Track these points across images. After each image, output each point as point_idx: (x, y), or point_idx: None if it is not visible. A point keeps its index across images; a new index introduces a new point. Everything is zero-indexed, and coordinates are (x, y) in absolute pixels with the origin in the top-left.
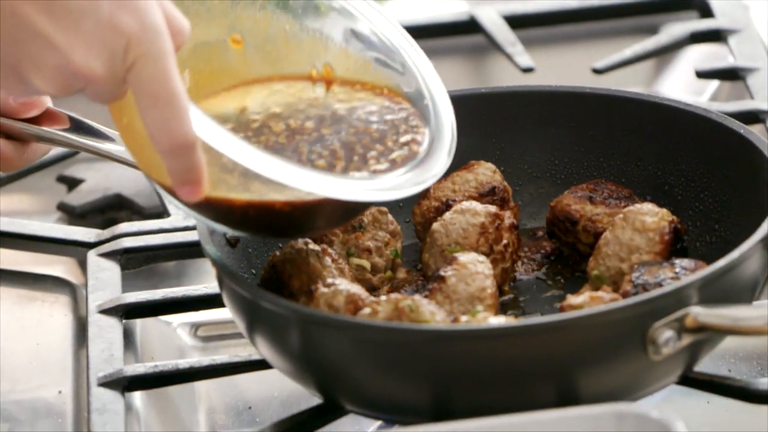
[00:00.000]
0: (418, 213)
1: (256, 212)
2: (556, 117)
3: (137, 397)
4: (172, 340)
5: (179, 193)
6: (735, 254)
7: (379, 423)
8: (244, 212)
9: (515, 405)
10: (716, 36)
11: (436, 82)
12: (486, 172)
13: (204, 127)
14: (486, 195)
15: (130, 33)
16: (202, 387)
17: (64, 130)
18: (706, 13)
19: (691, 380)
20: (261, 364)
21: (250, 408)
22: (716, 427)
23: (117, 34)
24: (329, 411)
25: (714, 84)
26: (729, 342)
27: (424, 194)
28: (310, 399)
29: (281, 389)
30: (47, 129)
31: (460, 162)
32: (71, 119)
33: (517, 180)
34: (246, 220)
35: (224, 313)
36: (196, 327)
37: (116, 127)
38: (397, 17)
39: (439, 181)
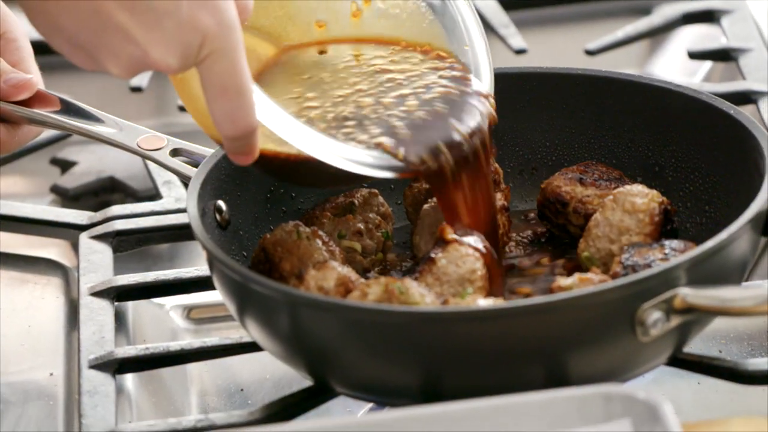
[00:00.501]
0: (408, 195)
1: (299, 164)
2: (547, 98)
3: (129, 379)
4: (164, 322)
5: (231, 158)
6: (723, 235)
7: (369, 405)
8: (284, 163)
9: (504, 386)
10: (709, 17)
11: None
12: None
13: (265, 112)
14: None
15: (207, 30)
16: (194, 369)
17: (56, 112)
18: None
19: (681, 361)
20: (252, 347)
21: (242, 390)
22: (707, 408)
23: (194, 32)
24: (320, 393)
25: (707, 65)
26: (720, 323)
27: (415, 177)
28: (302, 381)
29: (273, 371)
30: (39, 111)
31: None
32: (62, 101)
33: (508, 162)
34: (287, 169)
35: (217, 296)
36: (188, 309)
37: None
38: None
39: None
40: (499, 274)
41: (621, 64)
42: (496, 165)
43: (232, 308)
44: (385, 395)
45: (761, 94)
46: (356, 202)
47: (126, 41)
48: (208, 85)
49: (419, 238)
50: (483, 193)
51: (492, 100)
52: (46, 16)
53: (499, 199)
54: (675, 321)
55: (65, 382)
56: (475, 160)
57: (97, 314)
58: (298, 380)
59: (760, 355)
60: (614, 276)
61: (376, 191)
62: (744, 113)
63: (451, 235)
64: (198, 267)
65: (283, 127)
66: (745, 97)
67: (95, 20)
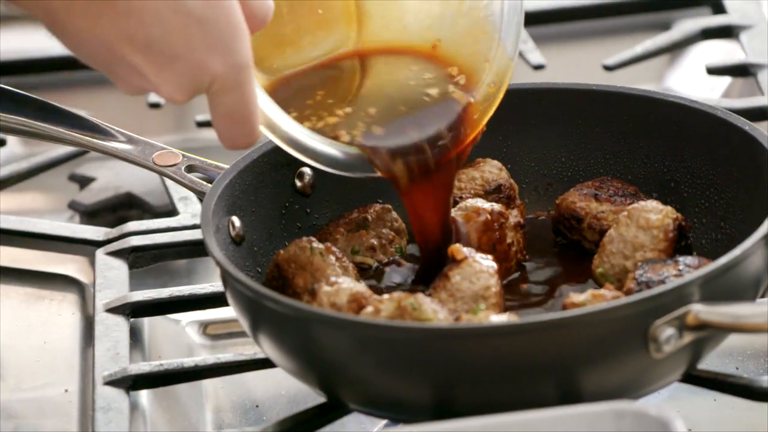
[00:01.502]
0: None
1: None
2: (562, 114)
3: (143, 395)
4: (180, 338)
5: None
6: (737, 251)
7: (384, 422)
8: None
9: (517, 403)
10: (728, 32)
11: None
12: (492, 170)
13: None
14: (492, 193)
15: (217, 72)
16: (210, 385)
17: (72, 128)
18: (719, 9)
19: (696, 378)
20: (266, 363)
21: (257, 406)
22: (723, 425)
23: (205, 74)
24: (333, 409)
25: (727, 80)
26: (737, 339)
27: None
28: (317, 397)
29: (288, 387)
30: (55, 128)
31: (470, 160)
32: (78, 117)
33: (523, 177)
34: None
35: (233, 312)
36: (204, 325)
37: None
38: None
39: None
40: None
41: (640, 80)
42: (512, 181)
43: (245, 324)
44: (398, 412)
45: None
46: (369, 217)
47: (137, 76)
48: (215, 111)
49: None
50: (439, 201)
51: (479, 115)
52: (63, 39)
53: (514, 216)
54: (688, 338)
55: (80, 399)
56: (430, 168)
57: (112, 330)
58: (312, 396)
59: None
60: (628, 292)
61: (390, 206)
62: (759, 129)
63: (462, 254)
64: (214, 283)
65: (271, 119)
66: (764, 113)
67: (108, 56)
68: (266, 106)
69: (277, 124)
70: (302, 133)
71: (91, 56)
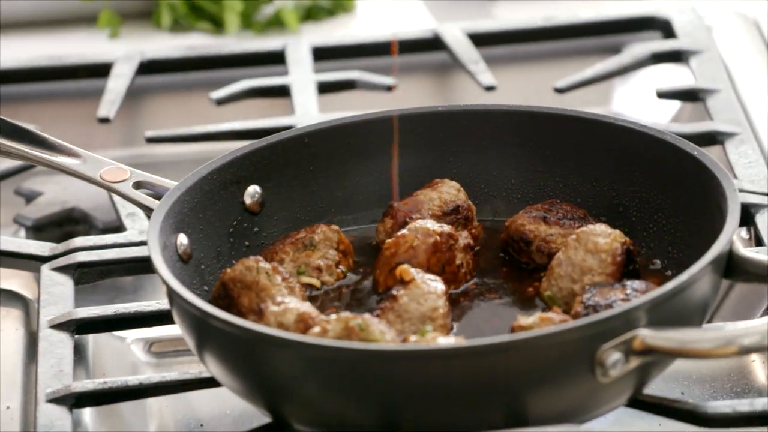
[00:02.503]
0: (381, 231)
1: None
2: (512, 136)
3: (87, 414)
4: (125, 356)
5: None
6: (684, 276)
7: None
8: None
9: (464, 425)
10: (678, 57)
11: None
12: (450, 191)
13: None
14: (450, 214)
15: None
16: (154, 404)
17: (18, 142)
18: (669, 33)
19: (641, 402)
20: (212, 382)
21: (201, 426)
22: None
23: None
24: (279, 430)
25: (676, 104)
26: (682, 364)
27: (389, 212)
28: (263, 417)
29: (233, 407)
30: (2, 142)
31: (419, 180)
32: (25, 132)
33: (473, 199)
34: None
35: (178, 329)
36: (150, 343)
37: None
38: (362, 33)
39: (403, 199)
40: None
41: (589, 102)
42: (469, 202)
43: (191, 343)
44: None
45: (728, 135)
46: (317, 238)
47: None
48: None
49: (379, 273)
50: None
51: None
52: None
53: (465, 237)
54: (634, 362)
55: (21, 416)
56: None
57: (56, 347)
58: (258, 416)
59: (722, 397)
60: (575, 316)
61: (337, 228)
62: (708, 155)
63: (410, 275)
64: (160, 300)
65: None
66: (712, 138)
67: None
68: None
69: None
70: None
71: None
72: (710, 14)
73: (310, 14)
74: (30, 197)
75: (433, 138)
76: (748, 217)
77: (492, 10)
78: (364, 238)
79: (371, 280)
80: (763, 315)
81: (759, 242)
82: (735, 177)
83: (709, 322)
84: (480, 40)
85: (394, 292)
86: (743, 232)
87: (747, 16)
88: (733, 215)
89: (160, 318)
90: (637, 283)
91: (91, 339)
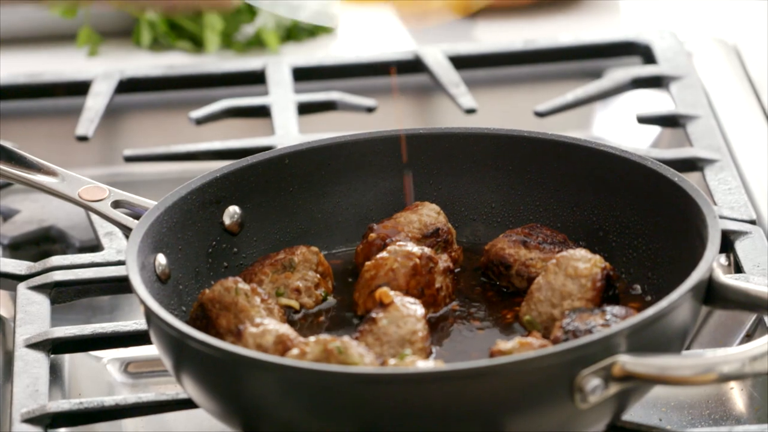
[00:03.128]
0: (361, 253)
1: None
2: (493, 159)
3: None
4: (101, 376)
5: None
6: (664, 303)
7: None
8: None
9: None
10: (658, 82)
11: None
12: (430, 213)
13: None
14: (430, 236)
15: None
16: (130, 425)
17: None
18: (649, 59)
19: (620, 429)
20: (188, 403)
21: None
22: None
23: None
24: None
25: (656, 130)
26: (661, 391)
27: (368, 234)
28: None
29: (210, 428)
30: None
31: (399, 202)
32: (3, 149)
33: (453, 222)
34: None
35: (155, 350)
36: (126, 363)
37: None
38: (343, 54)
39: (383, 221)
40: None
41: (570, 127)
42: (449, 225)
43: (168, 364)
44: None
45: (708, 161)
46: (296, 259)
47: None
48: None
49: (358, 295)
50: None
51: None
52: None
53: (444, 261)
54: (614, 388)
55: None
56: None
57: (32, 367)
58: None
59: (701, 424)
60: (555, 341)
61: (317, 249)
62: (688, 181)
63: (389, 298)
64: (137, 320)
65: None
66: (692, 164)
67: None
68: None
69: None
70: None
71: None
72: (690, 40)
73: (291, 35)
74: (7, 215)
75: (413, 160)
76: (727, 243)
77: (473, 33)
78: (343, 260)
79: (350, 302)
80: (741, 342)
81: (738, 269)
82: (715, 203)
83: (688, 348)
84: (461, 62)
85: (373, 314)
86: (722, 259)
87: (727, 43)
88: (714, 242)
89: (137, 338)
90: (616, 309)
91: (67, 359)
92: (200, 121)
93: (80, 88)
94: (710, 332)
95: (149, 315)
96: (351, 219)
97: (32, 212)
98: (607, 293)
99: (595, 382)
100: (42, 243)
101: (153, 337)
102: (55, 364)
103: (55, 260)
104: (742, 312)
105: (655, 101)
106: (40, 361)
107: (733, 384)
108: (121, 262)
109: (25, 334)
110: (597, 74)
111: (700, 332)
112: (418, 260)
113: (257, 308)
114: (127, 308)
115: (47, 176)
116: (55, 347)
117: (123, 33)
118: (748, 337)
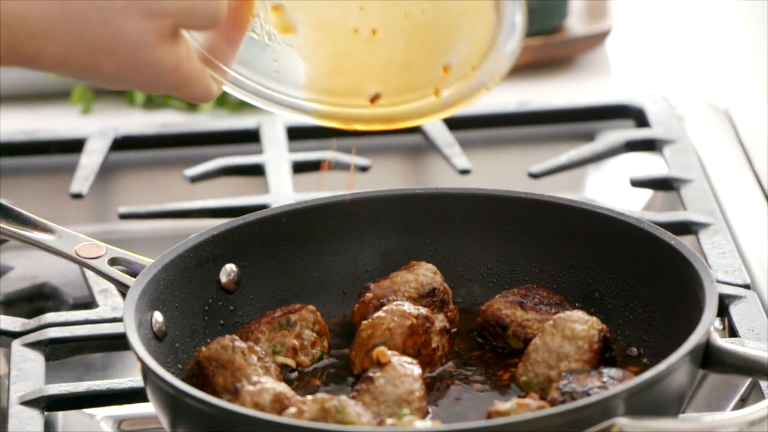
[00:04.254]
0: (357, 312)
1: None
2: (489, 220)
3: None
4: None
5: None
6: (662, 366)
7: None
8: None
9: None
10: (651, 145)
11: None
12: (427, 273)
13: None
14: (426, 296)
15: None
16: None
17: None
18: (642, 122)
19: None
20: None
21: None
22: None
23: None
24: None
25: (649, 193)
26: None
27: (365, 293)
28: None
29: None
30: None
31: (395, 261)
32: (0, 207)
33: (449, 282)
34: None
35: (149, 408)
36: (120, 421)
37: None
38: None
39: (379, 280)
40: None
41: (564, 188)
42: (446, 285)
43: (165, 422)
44: None
45: (701, 225)
46: (293, 318)
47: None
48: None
49: (355, 354)
50: None
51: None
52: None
53: (441, 321)
54: None
55: None
56: None
57: (27, 424)
58: None
59: None
60: (552, 402)
61: (314, 308)
62: (685, 244)
63: (386, 357)
64: (131, 378)
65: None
66: (686, 228)
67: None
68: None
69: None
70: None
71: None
72: (682, 104)
73: None
74: (0, 272)
75: (410, 220)
76: (722, 307)
77: None
78: (339, 319)
79: (347, 361)
80: (735, 406)
81: (733, 333)
82: (709, 267)
83: (683, 412)
84: (455, 123)
85: (370, 374)
86: (717, 323)
87: (718, 107)
88: (711, 306)
89: (132, 396)
90: (614, 371)
91: (61, 416)
92: (195, 179)
93: (75, 146)
94: (705, 396)
95: (146, 372)
96: (347, 278)
97: (26, 269)
98: (604, 355)
99: None
100: (35, 300)
101: (150, 394)
102: (50, 422)
103: (50, 317)
104: (738, 376)
105: (648, 164)
106: (34, 419)
107: None
108: (116, 319)
109: (19, 391)
110: (590, 137)
111: (695, 396)
112: (414, 320)
113: (254, 366)
114: (119, 365)
115: (44, 233)
116: (49, 404)
117: (116, 91)
118: (743, 401)
